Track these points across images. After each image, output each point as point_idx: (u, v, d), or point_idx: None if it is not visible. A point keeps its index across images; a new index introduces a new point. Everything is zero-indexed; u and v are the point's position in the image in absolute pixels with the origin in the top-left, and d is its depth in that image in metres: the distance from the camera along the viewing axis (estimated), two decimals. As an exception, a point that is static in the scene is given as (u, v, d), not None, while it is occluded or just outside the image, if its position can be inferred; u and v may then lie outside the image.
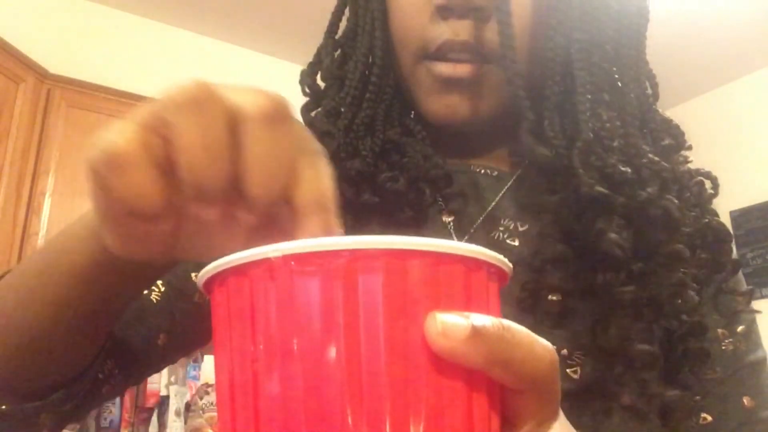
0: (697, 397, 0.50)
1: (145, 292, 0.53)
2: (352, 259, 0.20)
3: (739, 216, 3.57)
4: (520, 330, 0.22)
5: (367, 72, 0.55)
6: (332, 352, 0.20)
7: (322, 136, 0.53)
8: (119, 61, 3.06)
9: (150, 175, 0.24)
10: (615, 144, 0.48)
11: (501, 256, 0.23)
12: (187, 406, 2.64)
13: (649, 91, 0.54)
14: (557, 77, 0.49)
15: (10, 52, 2.51)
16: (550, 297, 0.48)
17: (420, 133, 0.56)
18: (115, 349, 0.49)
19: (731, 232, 0.54)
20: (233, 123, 0.24)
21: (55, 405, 0.44)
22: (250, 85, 0.25)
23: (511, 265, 0.24)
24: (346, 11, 0.60)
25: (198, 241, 0.31)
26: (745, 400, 0.50)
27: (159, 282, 0.54)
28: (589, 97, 0.48)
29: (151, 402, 2.64)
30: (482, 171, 0.56)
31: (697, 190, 0.53)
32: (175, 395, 2.64)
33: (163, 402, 2.65)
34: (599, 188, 0.46)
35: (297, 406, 0.20)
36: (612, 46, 0.51)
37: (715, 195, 0.54)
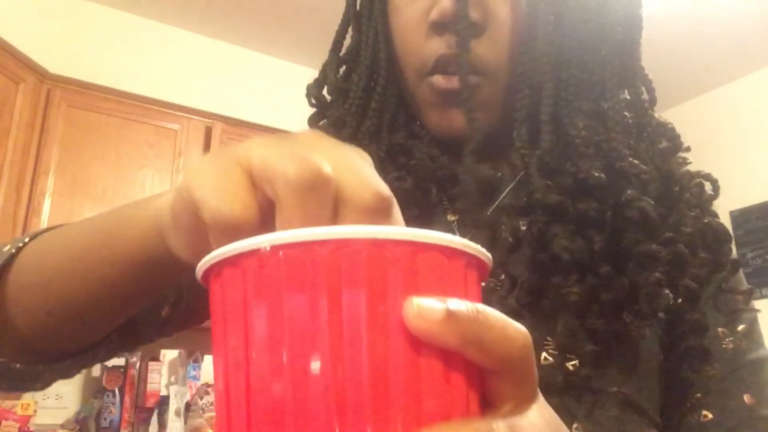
0: (698, 394, 0.51)
1: None
2: (335, 248, 0.22)
3: (739, 216, 3.57)
4: (493, 313, 0.23)
5: (371, 84, 0.58)
6: (317, 332, 0.21)
7: None
8: (119, 61, 3.06)
9: (249, 226, 0.24)
10: (590, 150, 0.50)
11: (479, 247, 0.24)
12: (187, 406, 2.64)
13: (645, 96, 0.56)
14: (526, 90, 0.52)
15: (10, 52, 2.51)
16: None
17: (426, 136, 0.58)
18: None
19: (731, 232, 0.55)
20: (338, 208, 0.24)
21: (63, 369, 0.47)
22: (364, 169, 0.25)
23: (489, 255, 0.25)
24: (350, 30, 0.63)
25: None
26: (746, 398, 0.51)
27: None
28: (551, 108, 0.51)
29: (151, 402, 2.64)
30: (486, 172, 0.58)
31: (697, 191, 0.54)
32: (175, 395, 2.64)
33: (163, 402, 2.65)
34: (554, 196, 0.48)
35: (285, 381, 0.21)
36: (593, 56, 0.53)
37: (716, 196, 0.55)
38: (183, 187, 0.26)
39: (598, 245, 0.47)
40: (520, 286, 0.49)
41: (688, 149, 0.57)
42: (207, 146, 2.98)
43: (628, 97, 0.55)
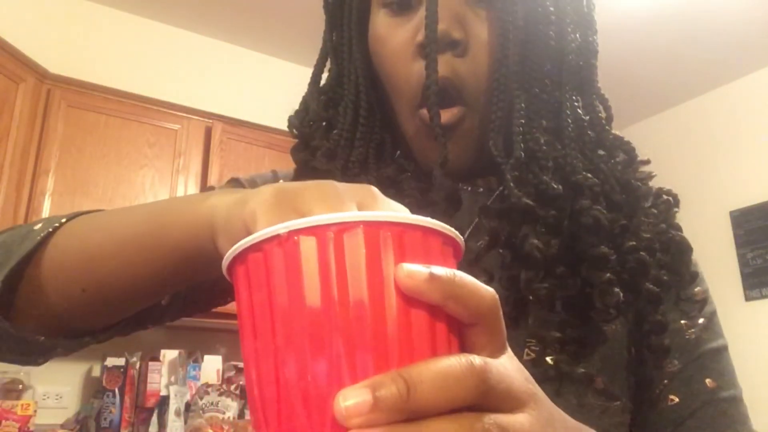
0: (665, 381, 0.57)
1: None
2: (340, 230, 0.27)
3: (739, 216, 3.57)
4: (467, 276, 0.28)
5: (356, 116, 0.61)
6: (328, 294, 0.26)
7: (320, 174, 0.58)
8: (119, 61, 3.06)
9: None
10: (549, 164, 0.55)
11: (452, 229, 0.30)
12: (187, 406, 2.64)
13: (603, 114, 0.61)
14: (501, 104, 0.56)
15: (10, 52, 2.51)
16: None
17: (414, 171, 0.60)
18: None
19: (691, 245, 0.60)
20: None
21: (79, 345, 0.50)
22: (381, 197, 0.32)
23: (461, 236, 0.31)
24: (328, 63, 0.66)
25: None
26: (708, 382, 0.57)
27: None
28: (523, 122, 0.56)
29: (151, 402, 2.64)
30: (470, 188, 0.63)
31: (664, 207, 0.60)
32: (175, 395, 2.64)
33: (163, 402, 2.65)
34: (525, 200, 0.53)
35: (303, 340, 0.26)
36: (552, 79, 0.58)
37: (677, 210, 0.61)
38: (248, 212, 0.31)
39: (554, 249, 0.53)
40: (497, 280, 0.54)
41: (647, 162, 0.62)
42: (207, 146, 2.98)
43: (585, 117, 0.59)
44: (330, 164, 0.59)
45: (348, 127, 0.61)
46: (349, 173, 0.59)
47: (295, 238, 0.27)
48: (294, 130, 0.63)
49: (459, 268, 0.29)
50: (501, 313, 0.30)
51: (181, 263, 0.43)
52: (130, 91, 2.85)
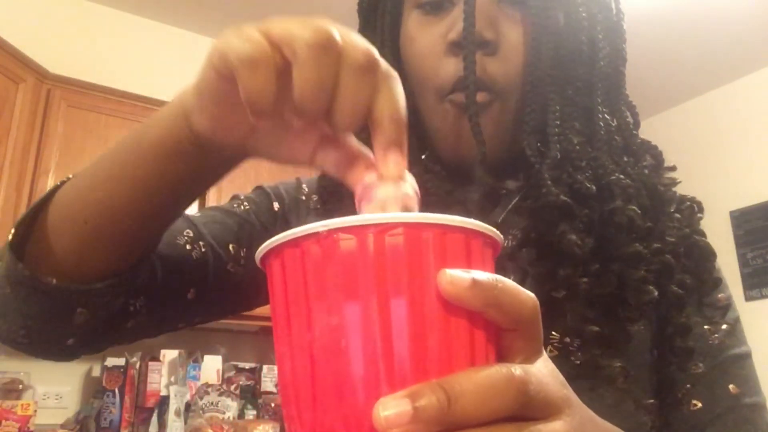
0: (688, 386, 0.57)
1: (188, 248, 0.59)
2: (380, 231, 0.27)
3: (739, 216, 3.57)
4: (509, 282, 0.28)
5: None
6: (369, 297, 0.26)
7: None
8: (119, 61, 3.06)
9: (272, 81, 0.31)
10: (583, 164, 0.56)
11: (493, 228, 0.30)
12: (187, 406, 2.64)
13: (630, 119, 0.62)
14: (534, 105, 0.57)
15: (10, 52, 2.51)
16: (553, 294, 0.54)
17: (440, 173, 0.62)
18: (148, 286, 0.54)
19: (715, 251, 0.61)
20: (342, 64, 0.31)
21: (95, 295, 0.48)
22: (361, 39, 0.32)
23: (501, 236, 0.30)
24: None
25: (269, 142, 0.39)
26: (731, 388, 0.56)
27: (200, 242, 0.60)
28: (558, 123, 0.57)
29: (151, 402, 2.64)
30: (493, 181, 0.63)
31: (688, 213, 0.61)
32: (175, 395, 2.64)
33: (163, 402, 2.65)
34: (563, 197, 0.54)
35: (339, 336, 0.26)
36: (583, 84, 0.59)
37: (701, 217, 0.62)
38: (211, 51, 0.33)
39: (588, 246, 0.54)
40: (531, 277, 0.55)
41: (674, 168, 0.63)
42: (207, 146, 2.98)
43: (613, 123, 0.60)
44: None
45: None
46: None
47: (335, 236, 0.27)
48: None
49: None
50: (540, 318, 0.29)
51: (167, 163, 0.42)
52: (130, 91, 2.85)
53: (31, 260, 0.47)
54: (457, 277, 0.26)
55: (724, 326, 0.59)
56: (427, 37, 0.60)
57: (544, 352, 0.31)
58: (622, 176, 0.56)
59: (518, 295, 0.28)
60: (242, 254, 0.62)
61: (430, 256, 0.27)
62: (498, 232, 0.30)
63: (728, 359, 0.57)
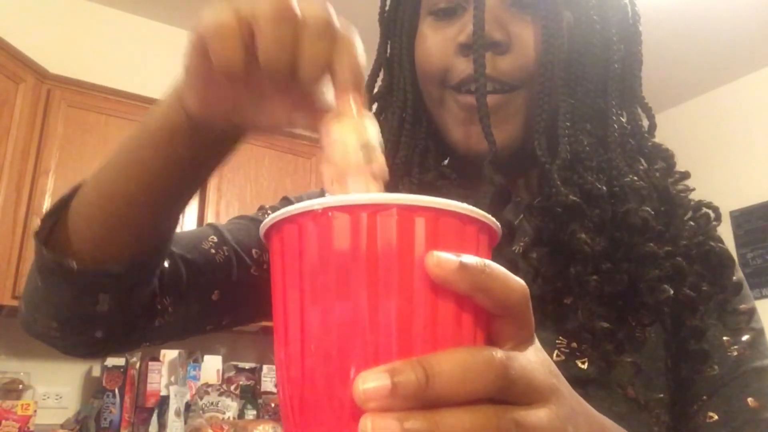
0: (704, 397, 0.55)
1: (212, 251, 0.61)
2: (374, 211, 0.27)
3: (739, 216, 3.57)
4: (498, 267, 0.28)
5: (402, 122, 0.65)
6: (359, 275, 0.27)
7: None
8: (119, 61, 3.06)
9: (239, 47, 0.34)
10: (594, 165, 0.57)
11: (489, 216, 0.30)
12: (187, 406, 2.64)
13: (644, 122, 0.62)
14: (546, 106, 0.58)
15: (10, 52, 2.51)
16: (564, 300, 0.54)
17: (455, 180, 0.63)
18: (175, 286, 0.57)
19: (733, 257, 0.60)
20: (301, 28, 0.34)
21: (117, 279, 0.51)
22: (321, 7, 0.35)
23: (498, 224, 0.31)
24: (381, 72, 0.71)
25: (250, 112, 0.42)
26: (750, 401, 0.54)
27: (225, 247, 0.62)
28: (569, 124, 0.58)
29: (151, 402, 2.64)
30: (502, 180, 0.63)
31: (704, 221, 0.60)
32: (175, 395, 2.64)
33: (163, 402, 2.65)
34: (573, 197, 0.54)
35: (331, 311, 0.27)
36: (597, 86, 0.60)
37: (718, 224, 0.61)
38: (190, 33, 0.36)
39: (599, 246, 0.54)
40: (542, 276, 0.55)
41: (688, 176, 0.63)
42: (207, 146, 2.98)
43: (626, 125, 0.61)
44: None
45: (394, 131, 0.64)
46: (391, 176, 0.61)
47: (330, 214, 0.27)
48: None
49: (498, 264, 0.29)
50: (530, 305, 0.30)
51: (168, 145, 0.45)
52: (130, 91, 2.85)
53: (56, 249, 0.50)
54: (445, 259, 0.27)
55: (745, 337, 0.57)
56: (438, 38, 0.62)
57: (537, 341, 0.31)
58: (635, 178, 0.57)
59: (507, 281, 0.28)
60: (265, 259, 0.64)
61: (422, 238, 0.27)
62: (495, 220, 0.30)
63: (748, 372, 0.56)
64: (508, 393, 0.27)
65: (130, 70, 3.05)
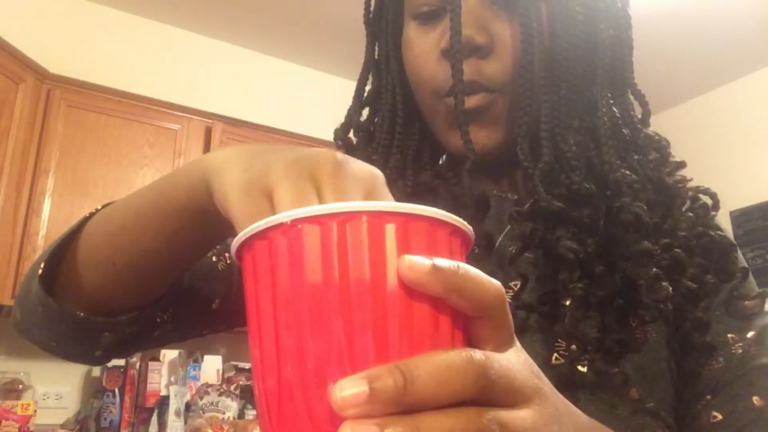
0: (708, 396, 0.54)
1: (214, 259, 0.61)
2: (343, 219, 0.27)
3: (739, 216, 3.57)
4: (471, 268, 0.28)
5: (393, 124, 0.64)
6: (331, 285, 0.26)
7: None
8: (119, 61, 3.06)
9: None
10: (581, 164, 0.56)
11: (460, 219, 0.30)
12: (187, 406, 2.64)
13: (635, 111, 0.61)
14: (527, 108, 0.57)
15: (10, 52, 2.51)
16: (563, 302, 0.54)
17: (451, 178, 0.62)
18: (176, 299, 0.57)
19: (734, 243, 0.58)
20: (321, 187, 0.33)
21: (121, 325, 0.53)
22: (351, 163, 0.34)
23: (470, 227, 0.31)
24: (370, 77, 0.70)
25: None
26: (755, 400, 0.53)
27: (226, 254, 0.62)
28: (551, 126, 0.57)
29: (151, 402, 2.64)
30: (504, 196, 0.64)
31: (702, 211, 0.59)
32: (175, 395, 2.64)
33: (163, 402, 2.65)
34: (557, 203, 0.54)
35: (304, 324, 0.27)
36: (586, 78, 0.58)
37: (717, 210, 0.60)
38: (221, 196, 0.35)
39: (591, 248, 0.53)
40: (536, 280, 0.55)
41: (683, 165, 0.62)
42: (207, 146, 2.98)
43: (618, 115, 0.60)
44: None
45: (385, 135, 0.64)
46: (386, 179, 0.61)
47: (299, 226, 0.27)
48: (339, 141, 0.67)
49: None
50: (507, 306, 0.29)
51: (191, 223, 0.45)
52: (130, 91, 2.85)
53: (60, 291, 0.51)
54: (417, 262, 0.26)
55: (750, 334, 0.56)
56: (422, 44, 0.61)
57: (517, 342, 0.31)
58: (627, 172, 0.56)
59: (481, 282, 0.28)
60: None
61: (393, 243, 0.27)
62: (465, 222, 0.30)
63: (753, 370, 0.54)
64: (490, 394, 0.27)
65: (130, 70, 3.05)
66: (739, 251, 0.59)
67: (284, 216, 0.27)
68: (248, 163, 0.34)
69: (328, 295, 0.26)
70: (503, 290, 0.29)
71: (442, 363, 0.26)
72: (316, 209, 0.27)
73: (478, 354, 0.27)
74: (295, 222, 0.27)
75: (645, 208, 0.54)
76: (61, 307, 0.50)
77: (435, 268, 0.27)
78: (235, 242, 0.30)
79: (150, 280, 0.52)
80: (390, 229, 0.27)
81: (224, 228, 0.43)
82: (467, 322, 0.29)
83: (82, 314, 0.51)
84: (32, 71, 2.60)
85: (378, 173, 0.34)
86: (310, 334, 0.26)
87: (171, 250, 0.48)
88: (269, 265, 0.28)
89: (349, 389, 0.25)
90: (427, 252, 0.27)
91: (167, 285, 0.54)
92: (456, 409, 0.26)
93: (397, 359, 0.26)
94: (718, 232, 0.59)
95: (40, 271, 0.50)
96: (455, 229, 0.30)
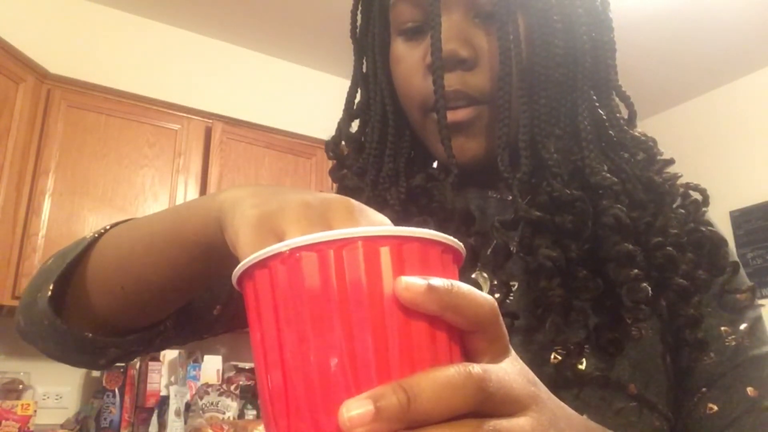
0: (704, 389, 0.56)
1: None
2: (339, 246, 0.28)
3: (739, 216, 3.57)
4: (464, 285, 0.29)
5: (384, 135, 0.66)
6: (331, 310, 0.27)
7: (352, 192, 0.64)
8: (119, 61, 3.06)
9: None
10: (562, 171, 0.57)
11: (450, 237, 0.31)
12: (187, 406, 2.64)
13: (621, 112, 0.62)
14: (506, 120, 0.58)
15: (10, 52, 2.51)
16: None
17: (444, 182, 0.62)
18: (180, 308, 0.58)
19: (728, 234, 0.58)
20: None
21: (128, 344, 0.55)
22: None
23: (460, 243, 0.32)
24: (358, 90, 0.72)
25: None
26: (749, 391, 0.54)
27: None
28: (529, 137, 0.58)
29: (151, 402, 2.64)
30: (497, 197, 0.65)
31: (693, 208, 0.60)
32: (175, 395, 2.64)
33: (163, 402, 2.65)
34: (535, 212, 0.55)
35: (308, 348, 0.28)
36: (567, 84, 0.59)
37: (707, 206, 0.61)
38: (233, 233, 0.34)
39: (574, 253, 0.54)
40: (514, 290, 0.56)
41: (672, 162, 0.63)
42: (207, 146, 2.99)
43: (604, 117, 0.60)
44: (360, 181, 0.64)
45: (376, 146, 0.65)
46: (379, 188, 0.63)
47: (297, 255, 0.28)
48: (330, 153, 0.69)
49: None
50: (501, 319, 0.31)
51: (202, 257, 0.46)
52: (130, 91, 2.85)
53: (68, 310, 0.53)
54: (412, 283, 0.28)
55: (742, 326, 0.57)
56: (409, 60, 0.62)
57: (513, 352, 0.32)
58: (608, 174, 0.56)
59: (474, 298, 0.29)
60: None
61: (388, 266, 0.28)
62: (455, 239, 0.31)
63: (747, 361, 0.56)
64: (489, 405, 0.28)
65: (130, 70, 3.05)
66: (729, 246, 0.60)
67: (283, 245, 0.29)
68: (263, 202, 0.34)
69: (329, 318, 0.28)
70: (496, 304, 0.30)
71: (443, 379, 0.27)
72: (313, 237, 0.28)
73: (476, 368, 0.28)
74: (294, 250, 0.28)
75: (625, 210, 0.55)
76: (70, 327, 0.52)
77: (430, 288, 0.28)
78: (236, 271, 0.31)
79: (157, 306, 0.54)
80: (385, 252, 0.29)
81: (232, 266, 0.44)
82: (463, 336, 0.30)
83: (90, 335, 0.52)
84: (32, 71, 2.61)
85: (389, 222, 0.34)
86: (314, 357, 0.28)
87: (179, 281, 0.50)
88: (270, 293, 0.29)
89: (355, 409, 0.26)
90: (422, 270, 0.29)
91: (175, 308, 0.56)
92: (457, 422, 0.27)
93: (399, 376, 0.27)
94: (709, 227, 0.59)
95: (50, 292, 0.51)
96: (446, 247, 0.31)
